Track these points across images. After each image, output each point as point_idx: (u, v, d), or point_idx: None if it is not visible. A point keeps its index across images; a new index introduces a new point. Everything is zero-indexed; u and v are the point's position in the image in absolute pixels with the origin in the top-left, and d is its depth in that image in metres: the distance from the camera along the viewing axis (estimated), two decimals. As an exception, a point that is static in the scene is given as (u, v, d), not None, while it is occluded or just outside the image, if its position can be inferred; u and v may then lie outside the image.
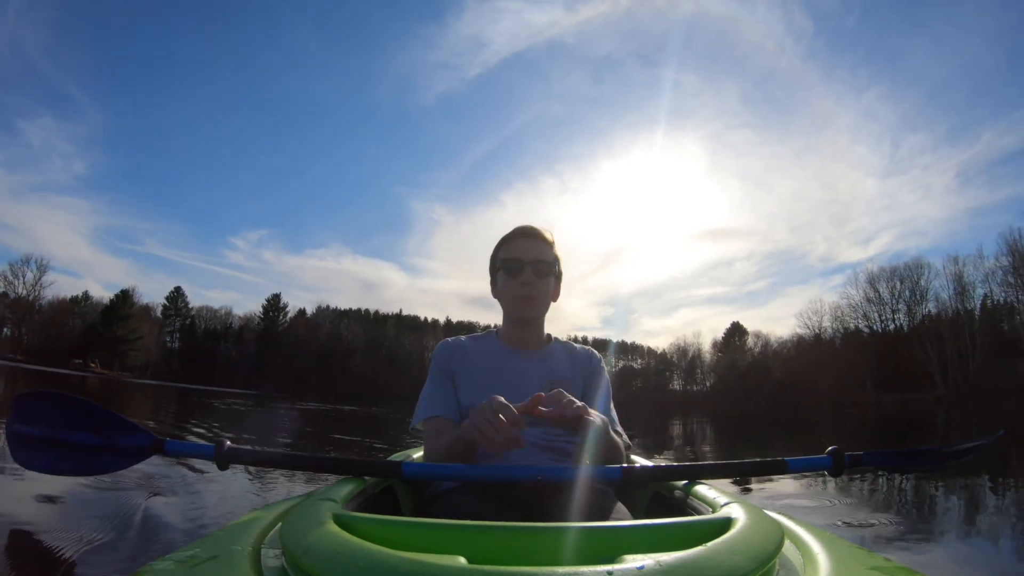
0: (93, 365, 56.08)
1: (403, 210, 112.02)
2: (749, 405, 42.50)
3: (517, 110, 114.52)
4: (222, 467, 1.59)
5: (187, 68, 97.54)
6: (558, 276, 1.82)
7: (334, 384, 56.37)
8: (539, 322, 1.83)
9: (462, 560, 0.74)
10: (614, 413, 1.76)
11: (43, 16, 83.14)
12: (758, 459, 1.62)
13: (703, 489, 1.46)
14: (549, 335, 1.88)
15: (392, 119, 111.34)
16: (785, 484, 5.21)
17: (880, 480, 5.17)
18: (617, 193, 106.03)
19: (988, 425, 16.24)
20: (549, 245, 1.79)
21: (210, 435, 7.87)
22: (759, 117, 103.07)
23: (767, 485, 5.39)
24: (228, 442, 1.59)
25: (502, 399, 1.40)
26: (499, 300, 1.85)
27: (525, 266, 1.73)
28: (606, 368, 1.85)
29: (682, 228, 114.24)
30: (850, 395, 46.68)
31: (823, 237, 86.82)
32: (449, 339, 1.89)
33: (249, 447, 1.70)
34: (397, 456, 2.00)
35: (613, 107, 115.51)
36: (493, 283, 1.86)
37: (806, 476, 4.66)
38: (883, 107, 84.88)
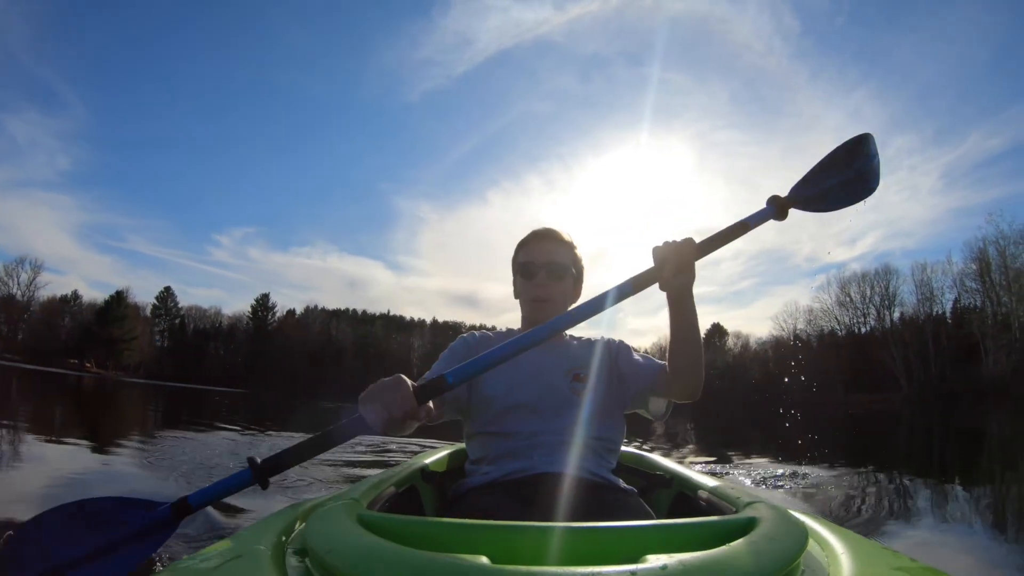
0: (88, 365, 56.76)
1: (388, 207, 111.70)
2: (727, 405, 44.06)
3: (503, 108, 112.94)
4: (264, 486, 1.30)
5: (172, 64, 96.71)
6: (577, 277, 1.83)
7: (325, 383, 57.40)
8: None
9: (485, 560, 0.74)
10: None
11: (28, 9, 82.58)
12: (722, 227, 1.51)
13: (726, 488, 1.47)
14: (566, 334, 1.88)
15: (378, 115, 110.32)
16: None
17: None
18: (603, 192, 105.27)
19: (943, 427, 17.68)
20: (565, 246, 1.81)
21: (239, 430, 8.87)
22: (746, 117, 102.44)
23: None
24: (258, 458, 1.29)
25: (406, 380, 1.23)
26: (519, 302, 1.86)
27: (539, 269, 1.75)
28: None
29: (669, 227, 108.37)
30: (821, 396, 48.49)
31: (809, 237, 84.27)
32: (476, 332, 1.88)
33: (282, 449, 1.31)
34: (420, 458, 1.98)
35: (600, 106, 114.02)
36: (515, 285, 1.87)
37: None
38: (870, 108, 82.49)
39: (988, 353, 44.88)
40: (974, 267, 48.87)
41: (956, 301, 52.17)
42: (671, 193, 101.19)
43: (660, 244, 1.45)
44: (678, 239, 1.45)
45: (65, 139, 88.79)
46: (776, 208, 1.56)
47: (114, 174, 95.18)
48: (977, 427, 16.92)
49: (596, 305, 1.43)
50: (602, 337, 1.86)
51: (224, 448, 6.08)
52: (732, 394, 53.57)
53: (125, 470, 4.52)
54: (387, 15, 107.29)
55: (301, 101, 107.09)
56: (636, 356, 1.76)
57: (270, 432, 9.37)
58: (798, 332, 60.90)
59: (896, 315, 54.73)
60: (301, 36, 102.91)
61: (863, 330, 57.13)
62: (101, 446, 5.99)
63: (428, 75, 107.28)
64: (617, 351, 1.77)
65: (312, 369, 63.84)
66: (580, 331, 1.78)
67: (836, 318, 58.70)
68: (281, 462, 1.31)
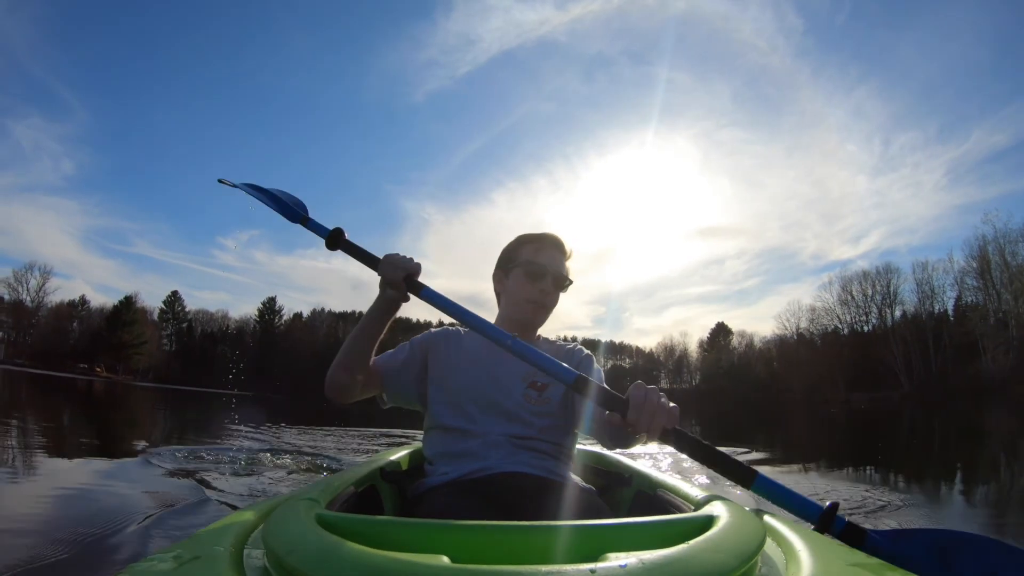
0: (98, 370, 57.38)
1: (394, 209, 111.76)
2: (731, 403, 44.40)
3: (507, 108, 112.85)
4: (331, 248, 1.71)
5: (176, 68, 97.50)
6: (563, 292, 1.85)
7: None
8: (537, 327, 1.84)
9: (445, 559, 0.74)
10: None
11: (31, 14, 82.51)
12: (735, 459, 1.30)
13: (685, 487, 1.47)
14: (539, 335, 1.89)
15: (382, 117, 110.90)
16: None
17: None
18: (608, 191, 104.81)
19: (941, 422, 17.67)
20: (568, 260, 1.82)
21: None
22: (750, 115, 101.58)
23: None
24: (344, 232, 1.72)
25: (409, 267, 1.56)
26: (502, 295, 1.86)
27: (548, 275, 1.75)
28: (596, 362, 1.80)
29: (674, 226, 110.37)
30: (823, 393, 48.98)
31: (813, 235, 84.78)
32: (448, 327, 1.90)
33: (356, 243, 1.72)
34: (380, 456, 1.97)
35: (604, 106, 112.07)
36: (501, 276, 1.86)
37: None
38: (873, 105, 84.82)
39: (987, 351, 44.95)
40: (975, 265, 48.73)
41: (958, 299, 52.03)
42: (677, 191, 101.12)
43: (644, 390, 1.25)
44: (666, 405, 1.25)
45: (69, 144, 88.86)
46: (823, 522, 1.18)
47: (118, 178, 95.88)
48: (973, 425, 16.98)
49: (565, 375, 1.37)
50: (576, 346, 1.89)
51: (240, 446, 6.59)
52: (736, 392, 53.88)
53: (129, 466, 4.75)
54: (390, 17, 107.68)
55: (305, 104, 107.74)
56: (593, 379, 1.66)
57: (283, 426, 10.31)
58: (801, 331, 61.21)
59: (897, 313, 54.92)
60: (305, 39, 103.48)
61: (865, 328, 57.31)
62: (118, 448, 6.41)
63: (432, 76, 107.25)
64: (578, 365, 1.70)
65: (319, 371, 63.61)
66: (553, 334, 1.89)
67: (838, 316, 58.99)
68: (345, 244, 1.71)
